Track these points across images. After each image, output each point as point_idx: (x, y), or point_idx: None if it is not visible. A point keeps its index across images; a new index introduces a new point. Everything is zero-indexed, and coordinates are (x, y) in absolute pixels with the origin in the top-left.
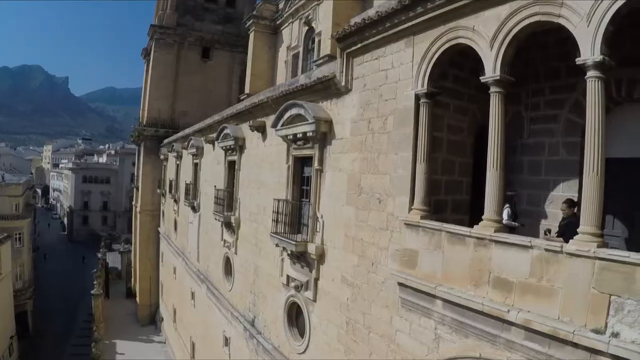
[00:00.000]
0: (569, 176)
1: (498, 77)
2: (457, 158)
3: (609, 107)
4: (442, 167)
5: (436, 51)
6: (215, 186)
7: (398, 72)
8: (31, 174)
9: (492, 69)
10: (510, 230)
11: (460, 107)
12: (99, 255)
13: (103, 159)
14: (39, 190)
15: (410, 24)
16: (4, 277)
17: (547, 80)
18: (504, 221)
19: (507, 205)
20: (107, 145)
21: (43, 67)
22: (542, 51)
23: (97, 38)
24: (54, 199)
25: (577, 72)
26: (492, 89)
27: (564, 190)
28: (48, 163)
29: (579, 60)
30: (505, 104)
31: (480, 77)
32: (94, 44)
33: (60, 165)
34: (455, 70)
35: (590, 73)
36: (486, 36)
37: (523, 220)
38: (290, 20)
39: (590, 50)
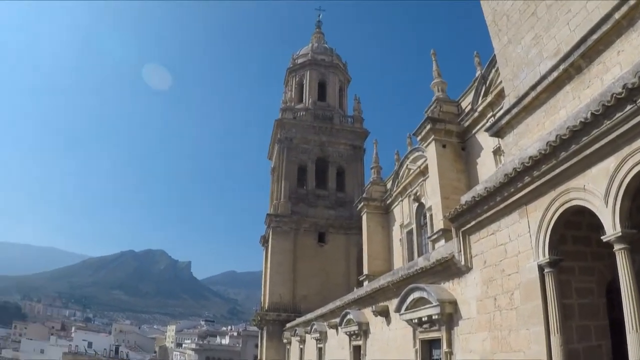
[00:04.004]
0: None
1: (620, 234)
2: (591, 322)
3: None
4: (577, 334)
5: (551, 218)
6: None
7: (517, 245)
8: (155, 352)
9: (611, 226)
10: None
11: (585, 268)
12: None
13: (226, 341)
14: None
15: (519, 195)
16: None
17: None
18: None
19: None
20: (229, 327)
21: (167, 252)
22: None
23: (218, 227)
24: None
25: None
26: (616, 247)
27: None
28: (171, 342)
29: None
30: (632, 257)
31: (602, 237)
32: (215, 232)
33: (184, 345)
34: (573, 230)
35: None
36: (598, 193)
37: None
38: (400, 199)
39: None
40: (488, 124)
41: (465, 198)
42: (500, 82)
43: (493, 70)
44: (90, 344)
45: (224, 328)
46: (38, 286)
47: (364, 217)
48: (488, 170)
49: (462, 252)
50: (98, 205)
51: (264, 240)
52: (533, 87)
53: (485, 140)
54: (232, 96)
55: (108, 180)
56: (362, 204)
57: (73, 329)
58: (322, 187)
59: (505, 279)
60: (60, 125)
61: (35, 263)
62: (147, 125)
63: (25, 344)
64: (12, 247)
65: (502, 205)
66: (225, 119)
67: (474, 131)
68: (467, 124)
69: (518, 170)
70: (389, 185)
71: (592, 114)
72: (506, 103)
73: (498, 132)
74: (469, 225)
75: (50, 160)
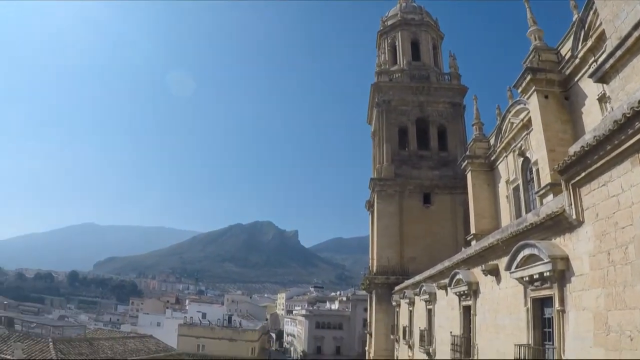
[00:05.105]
0: None
1: None
2: None
3: None
4: None
5: None
6: (450, 332)
7: (630, 196)
8: (266, 320)
9: None
10: None
11: None
12: None
13: (335, 306)
14: (273, 335)
15: (631, 142)
16: None
17: None
18: None
19: None
20: (338, 292)
21: (274, 222)
22: None
23: (323, 195)
24: (287, 343)
25: None
26: None
27: None
28: (282, 309)
29: None
30: None
31: None
32: (320, 200)
33: (294, 312)
34: None
35: None
36: None
37: None
38: (504, 154)
39: None
40: (591, 70)
41: (574, 149)
42: (600, 24)
43: (591, 13)
44: (204, 315)
45: (333, 294)
46: (152, 264)
47: (469, 176)
48: (594, 120)
49: (573, 206)
50: (203, 184)
51: (369, 205)
52: (636, 27)
53: (589, 88)
54: (329, 62)
55: (211, 158)
56: (465, 162)
57: (187, 301)
58: (424, 148)
59: (618, 232)
60: (158, 109)
61: (148, 243)
62: (245, 101)
63: (143, 318)
64: (125, 230)
65: (612, 154)
66: (326, 84)
67: (576, 79)
68: (568, 71)
69: (628, 115)
70: (492, 141)
71: None
72: (608, 46)
73: (602, 77)
74: (578, 177)
75: (151, 143)
